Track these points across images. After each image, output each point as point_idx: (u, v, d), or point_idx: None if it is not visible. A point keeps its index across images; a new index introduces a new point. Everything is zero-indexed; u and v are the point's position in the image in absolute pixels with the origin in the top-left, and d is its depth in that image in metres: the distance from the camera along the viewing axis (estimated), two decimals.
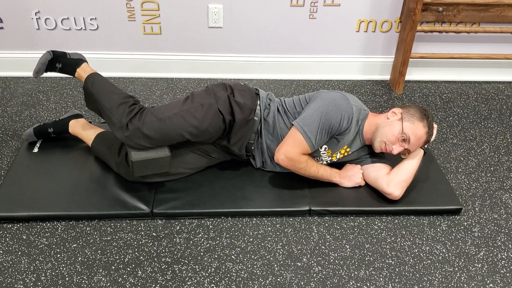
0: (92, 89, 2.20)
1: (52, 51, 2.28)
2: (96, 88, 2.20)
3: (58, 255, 1.97)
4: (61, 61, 2.28)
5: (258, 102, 2.22)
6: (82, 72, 2.27)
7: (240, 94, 2.19)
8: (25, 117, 2.75)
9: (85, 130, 2.42)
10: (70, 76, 2.32)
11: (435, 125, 2.22)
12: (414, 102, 3.06)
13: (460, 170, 2.51)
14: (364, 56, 3.21)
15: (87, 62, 2.33)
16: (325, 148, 2.21)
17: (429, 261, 2.02)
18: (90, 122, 2.56)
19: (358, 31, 3.11)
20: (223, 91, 2.18)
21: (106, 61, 3.11)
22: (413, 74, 3.26)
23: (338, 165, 2.33)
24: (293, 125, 2.14)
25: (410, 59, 3.04)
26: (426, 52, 3.13)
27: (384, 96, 3.12)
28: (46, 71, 2.28)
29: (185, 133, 2.11)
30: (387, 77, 3.27)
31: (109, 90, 2.19)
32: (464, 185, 2.41)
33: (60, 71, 2.30)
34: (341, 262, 2.00)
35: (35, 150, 2.42)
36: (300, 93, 3.09)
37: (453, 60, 3.21)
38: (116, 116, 2.10)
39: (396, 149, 2.14)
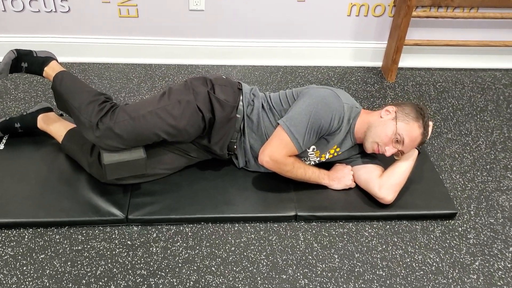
0: (61, 88, 2.03)
1: (16, 49, 2.09)
2: (65, 87, 2.02)
3: (25, 268, 1.82)
4: (26, 60, 2.10)
5: (241, 97, 2.06)
6: (51, 70, 2.09)
7: (221, 90, 2.02)
8: None
9: (54, 125, 2.24)
10: (38, 76, 2.13)
11: (430, 123, 2.08)
12: (407, 92, 2.90)
13: (454, 168, 2.38)
14: (356, 42, 3.03)
15: (56, 60, 2.16)
16: (313, 148, 2.06)
17: (421, 272, 1.90)
18: (61, 115, 2.38)
19: (350, 15, 2.93)
20: (203, 86, 2.01)
21: (79, 46, 2.91)
22: (406, 60, 3.10)
23: (327, 164, 2.18)
24: (279, 124, 1.98)
25: (404, 46, 2.87)
26: (421, 39, 2.96)
27: (375, 84, 2.95)
28: (10, 71, 2.09)
29: (161, 133, 1.95)
30: (379, 63, 3.10)
31: (78, 88, 2.02)
32: (459, 186, 2.29)
33: (26, 71, 2.12)
34: (329, 274, 1.88)
35: (1, 147, 2.24)
36: (287, 81, 2.92)
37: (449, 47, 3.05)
38: (85, 115, 1.92)
39: (389, 151, 1.99)
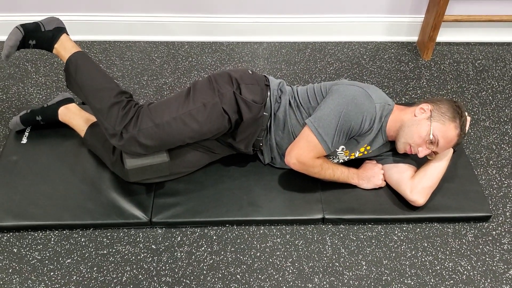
0: (76, 78, 1.93)
1: (22, 26, 1.96)
2: (82, 79, 1.93)
3: (52, 273, 1.84)
4: (34, 37, 1.98)
5: (269, 94, 1.96)
6: (62, 49, 1.98)
7: (248, 90, 1.92)
8: (12, 95, 2.50)
9: (75, 119, 2.18)
10: (48, 51, 2.03)
11: (468, 118, 1.95)
12: (444, 71, 2.72)
13: (491, 162, 2.26)
14: (390, 16, 2.82)
15: (66, 31, 2.03)
16: (343, 148, 1.97)
17: (451, 281, 1.85)
18: (83, 103, 2.31)
19: None
20: (228, 86, 1.91)
21: (98, 24, 2.78)
22: (444, 34, 2.88)
23: (357, 160, 2.10)
24: (306, 124, 1.89)
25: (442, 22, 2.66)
26: (461, 14, 2.72)
27: (410, 63, 2.78)
28: (18, 49, 1.99)
29: (186, 139, 1.89)
30: (414, 38, 2.90)
31: (97, 85, 1.92)
32: (494, 182, 2.18)
33: (35, 47, 2.01)
34: (355, 283, 1.84)
35: (24, 141, 2.21)
36: (315, 59, 2.78)
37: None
38: (108, 121, 1.85)
39: (422, 152, 1.89)
